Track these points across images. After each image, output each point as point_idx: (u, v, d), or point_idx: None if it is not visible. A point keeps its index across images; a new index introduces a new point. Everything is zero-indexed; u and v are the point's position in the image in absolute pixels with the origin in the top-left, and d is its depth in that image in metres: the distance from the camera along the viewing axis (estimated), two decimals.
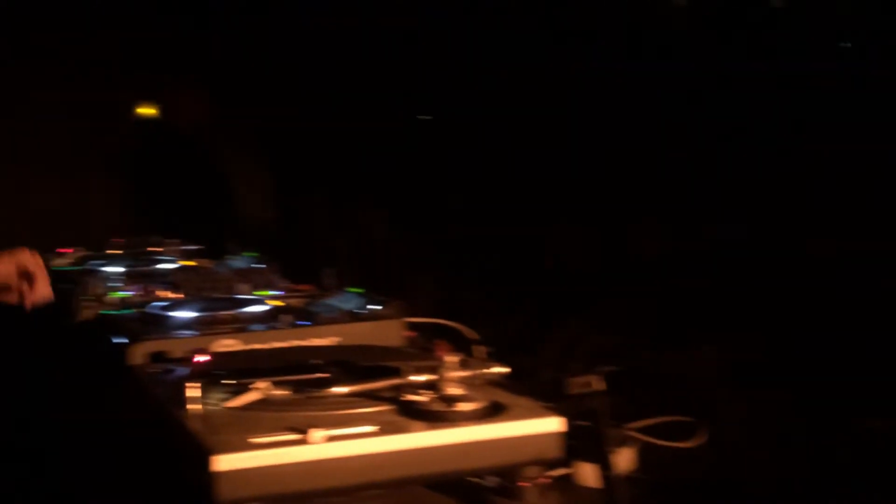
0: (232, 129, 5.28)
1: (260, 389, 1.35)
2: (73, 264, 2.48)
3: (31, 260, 1.90)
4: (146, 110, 6.10)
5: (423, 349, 1.84)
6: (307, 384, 1.41)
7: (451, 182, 4.81)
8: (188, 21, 4.97)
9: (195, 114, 4.69)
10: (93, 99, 4.16)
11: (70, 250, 2.58)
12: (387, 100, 5.38)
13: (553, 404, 1.86)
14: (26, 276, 1.89)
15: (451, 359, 1.41)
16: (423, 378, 1.40)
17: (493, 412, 1.37)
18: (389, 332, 1.83)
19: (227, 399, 1.38)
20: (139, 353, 1.70)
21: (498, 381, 1.67)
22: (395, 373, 1.42)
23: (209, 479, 1.20)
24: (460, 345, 2.06)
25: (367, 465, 1.27)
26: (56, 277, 2.31)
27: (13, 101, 3.84)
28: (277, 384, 1.37)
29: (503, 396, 1.44)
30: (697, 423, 2.01)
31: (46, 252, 2.56)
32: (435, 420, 1.34)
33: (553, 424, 1.36)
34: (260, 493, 1.23)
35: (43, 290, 1.89)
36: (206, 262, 2.48)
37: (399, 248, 4.79)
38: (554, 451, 1.36)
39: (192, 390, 1.38)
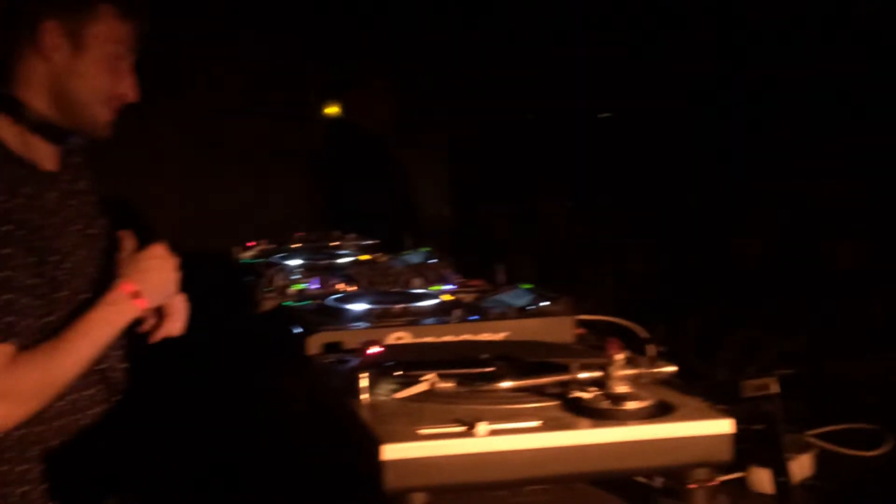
0: (414, 127, 5.42)
1: (427, 381, 1.37)
2: (257, 257, 2.58)
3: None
4: (331, 109, 6.31)
5: (593, 347, 1.83)
6: (474, 378, 1.42)
7: (637, 179, 4.77)
8: (375, 20, 5.12)
9: (379, 112, 4.81)
10: (279, 98, 4.32)
11: (261, 244, 2.68)
12: (568, 96, 5.40)
13: (727, 406, 1.82)
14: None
15: (619, 356, 1.39)
16: (589, 375, 1.39)
17: (660, 412, 1.35)
18: (559, 329, 1.82)
19: (396, 390, 1.41)
20: (315, 344, 1.76)
21: (668, 381, 1.65)
22: (562, 369, 1.42)
23: (378, 468, 1.24)
24: (634, 343, 2.04)
25: (531, 460, 1.28)
26: (242, 269, 2.42)
27: (201, 101, 4.04)
28: (445, 377, 1.39)
29: (672, 396, 1.41)
30: (883, 431, 1.92)
31: (235, 244, 2.70)
32: (601, 418, 1.33)
33: (723, 426, 1.33)
34: (425, 483, 1.25)
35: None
36: (381, 257, 2.54)
37: (578, 244, 4.79)
38: (724, 454, 1.33)
39: (364, 380, 1.41)
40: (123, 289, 1.88)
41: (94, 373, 1.93)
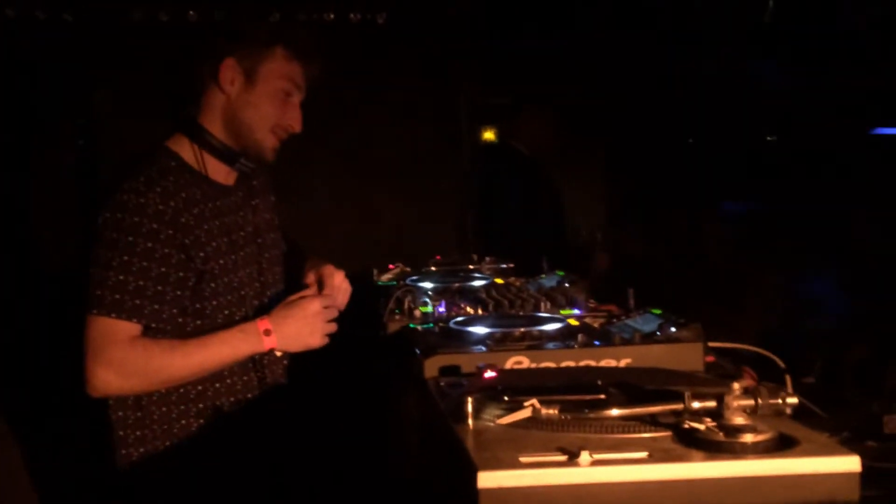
0: (571, 153, 5.37)
1: (530, 407, 1.33)
2: (394, 279, 2.60)
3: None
4: (489, 134, 6.33)
5: (724, 376, 1.74)
6: (582, 405, 1.37)
7: (797, 199, 4.58)
8: (532, 44, 5.11)
9: (538, 137, 4.78)
10: (430, 122, 4.34)
11: (398, 267, 2.70)
12: (732, 119, 5.26)
13: (876, 442, 1.70)
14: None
15: (736, 385, 1.32)
16: (703, 405, 1.32)
17: (780, 446, 1.27)
18: (686, 356, 1.74)
19: (502, 416, 1.38)
20: (432, 367, 1.74)
21: (796, 413, 1.55)
22: (675, 398, 1.35)
23: (475, 495, 1.21)
24: (774, 373, 1.94)
25: (636, 493, 1.22)
26: (378, 291, 2.44)
27: (352, 125, 4.10)
28: (550, 403, 1.34)
29: (795, 429, 1.32)
30: None
31: (377, 267, 2.72)
32: (714, 450, 1.26)
33: (848, 464, 1.23)
34: None
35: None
36: (516, 281, 2.51)
37: (729, 270, 4.62)
38: (848, 494, 1.23)
39: (469, 405, 1.39)
40: (260, 323, 2.09)
41: (254, 362, 2.17)
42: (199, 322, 2.11)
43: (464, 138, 4.47)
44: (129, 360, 1.97)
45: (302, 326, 2.09)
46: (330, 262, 2.30)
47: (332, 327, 2.14)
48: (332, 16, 4.01)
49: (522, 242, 3.75)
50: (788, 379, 1.84)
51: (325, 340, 2.13)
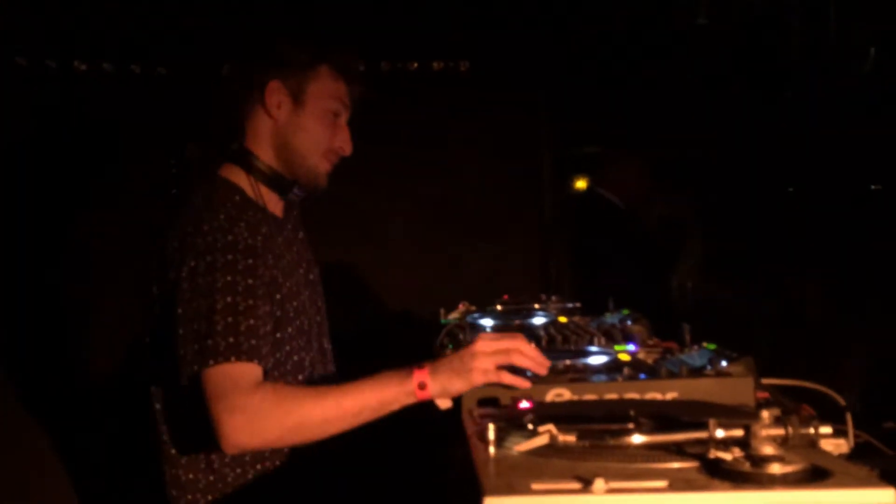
0: (665, 200, 5.29)
1: (547, 434, 1.29)
2: (459, 318, 2.57)
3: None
4: (581, 183, 6.29)
5: (784, 412, 1.66)
6: (603, 433, 1.32)
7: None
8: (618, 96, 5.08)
9: (631, 186, 4.73)
10: (516, 168, 4.35)
11: (463, 306, 2.68)
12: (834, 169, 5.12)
13: None
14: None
15: (765, 414, 1.26)
16: (727, 433, 1.26)
17: (809, 477, 1.20)
18: (735, 391, 1.67)
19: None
20: (470, 398, 1.72)
21: (862, 452, 1.48)
22: (700, 427, 1.29)
23: None
24: (835, 412, 1.85)
25: None
26: (449, 331, 2.42)
27: (437, 173, 4.13)
28: (568, 430, 1.30)
29: (829, 461, 1.25)
30: None
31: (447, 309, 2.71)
32: (738, 481, 1.20)
33: (882, 497, 1.16)
34: None
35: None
36: (579, 319, 2.46)
37: (819, 313, 4.47)
38: None
39: (491, 432, 1.36)
40: (417, 374, 1.79)
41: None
42: (275, 373, 1.96)
43: (546, 186, 4.46)
44: (257, 404, 1.75)
45: (462, 380, 1.75)
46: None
47: (503, 357, 1.76)
48: (415, 64, 4.07)
49: (610, 291, 3.68)
50: (849, 417, 1.74)
51: (488, 377, 1.74)
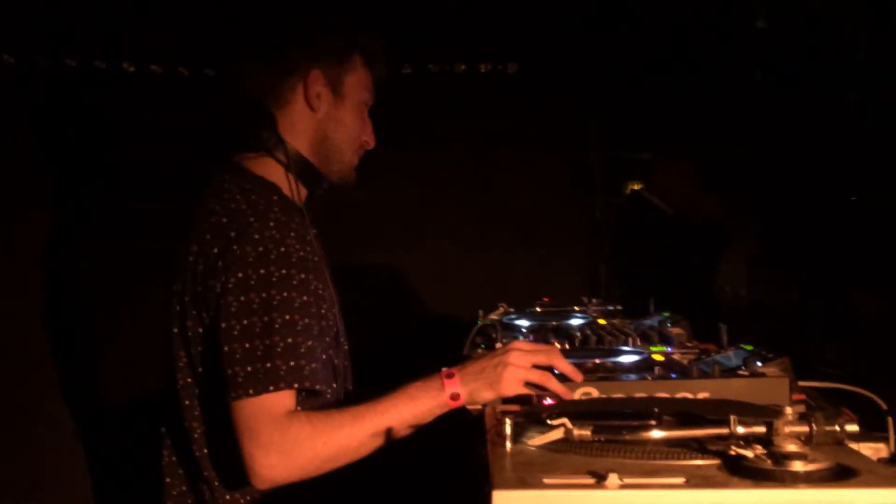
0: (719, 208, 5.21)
1: (562, 428, 1.25)
2: (497, 318, 2.54)
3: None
4: (636, 186, 6.22)
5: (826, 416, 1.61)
6: (620, 428, 1.28)
7: None
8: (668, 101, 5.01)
9: (683, 192, 4.67)
10: (563, 171, 4.30)
11: (501, 307, 2.64)
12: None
13: None
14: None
15: (789, 410, 1.21)
16: (748, 430, 1.22)
17: (834, 476, 1.15)
18: (768, 392, 1.61)
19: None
20: None
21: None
22: (722, 424, 1.25)
23: None
24: (878, 416, 1.79)
25: None
26: (481, 330, 2.39)
27: (489, 175, 4.10)
28: (584, 425, 1.26)
29: (855, 460, 1.20)
30: None
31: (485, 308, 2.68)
32: (759, 478, 1.15)
33: None
34: None
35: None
36: (619, 322, 2.41)
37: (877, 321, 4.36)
38: None
39: (508, 426, 1.32)
40: (448, 384, 1.74)
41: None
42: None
43: (597, 189, 4.41)
44: (291, 439, 1.68)
45: (493, 386, 1.71)
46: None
47: (534, 376, 1.70)
48: (462, 66, 4.04)
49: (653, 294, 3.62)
50: (890, 421, 1.68)
51: (519, 389, 1.70)
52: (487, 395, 1.72)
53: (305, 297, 1.77)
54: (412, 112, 3.86)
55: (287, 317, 1.72)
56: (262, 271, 1.74)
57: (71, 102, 3.60)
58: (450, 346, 2.26)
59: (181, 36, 3.56)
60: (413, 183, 3.98)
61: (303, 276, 1.78)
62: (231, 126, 1.97)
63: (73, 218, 3.60)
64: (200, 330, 1.83)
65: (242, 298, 1.73)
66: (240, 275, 1.74)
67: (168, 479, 1.96)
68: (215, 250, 1.79)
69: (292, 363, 1.70)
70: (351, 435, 1.72)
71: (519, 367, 1.71)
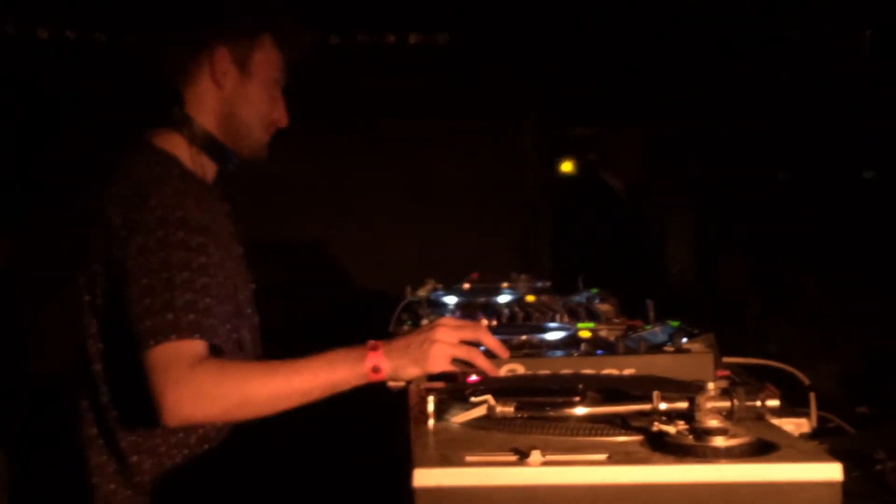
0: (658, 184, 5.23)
1: (485, 405, 1.24)
2: (425, 295, 2.52)
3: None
4: (566, 166, 6.20)
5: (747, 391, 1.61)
6: (544, 405, 1.27)
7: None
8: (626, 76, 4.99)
9: (626, 166, 4.65)
10: (500, 150, 4.29)
11: (429, 283, 2.62)
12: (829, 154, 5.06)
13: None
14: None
15: (711, 386, 1.21)
16: (670, 406, 1.21)
17: (755, 451, 1.15)
18: (693, 368, 1.61)
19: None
20: None
21: (825, 431, 1.43)
22: (645, 400, 1.24)
23: (411, 494, 1.12)
24: (799, 391, 1.80)
25: (588, 496, 1.12)
26: (407, 306, 2.37)
27: (421, 149, 4.07)
28: (507, 401, 1.25)
29: (776, 435, 1.21)
30: None
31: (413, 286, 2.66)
32: (681, 454, 1.15)
33: (828, 472, 1.11)
34: None
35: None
36: (548, 298, 2.40)
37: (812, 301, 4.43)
38: None
39: (431, 404, 1.31)
40: (371, 356, 1.70)
41: None
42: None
43: (529, 167, 4.41)
44: (202, 377, 1.68)
45: (419, 363, 1.67)
46: None
47: (461, 352, 1.66)
48: (392, 38, 4.01)
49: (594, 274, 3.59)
50: (812, 396, 1.69)
51: (446, 366, 1.66)
52: (413, 371, 1.68)
53: (203, 259, 1.80)
54: (340, 84, 3.82)
55: (186, 274, 1.76)
56: (159, 233, 1.78)
57: None
58: (376, 323, 2.24)
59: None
60: (341, 157, 3.95)
61: (201, 239, 1.81)
62: (141, 103, 2.02)
63: None
64: (108, 297, 1.86)
65: (142, 260, 1.77)
66: (139, 239, 1.78)
67: (88, 452, 1.96)
68: (118, 220, 1.83)
69: (192, 316, 1.73)
70: (261, 385, 1.70)
71: (446, 343, 1.67)
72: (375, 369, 1.69)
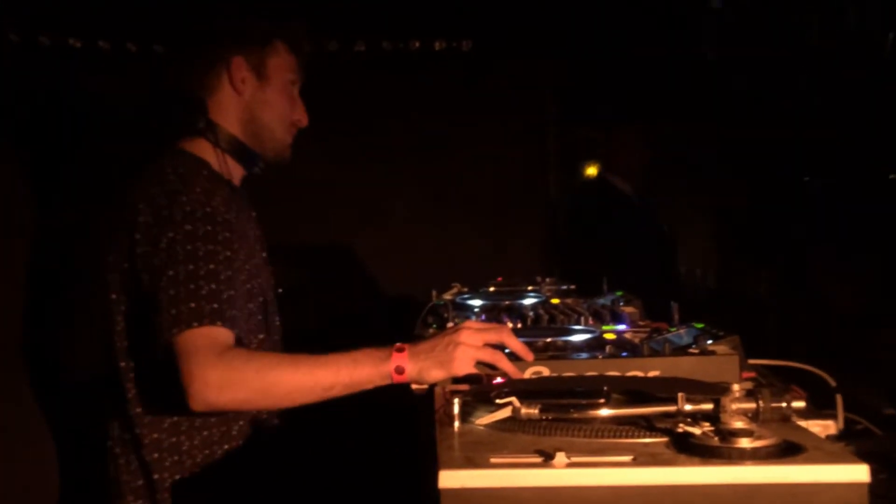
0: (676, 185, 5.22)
1: (510, 407, 1.24)
2: (451, 298, 2.53)
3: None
4: (592, 169, 6.19)
5: (773, 392, 1.61)
6: (568, 406, 1.27)
7: None
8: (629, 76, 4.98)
9: (632, 167, 4.65)
10: (523, 153, 4.29)
11: (455, 287, 2.63)
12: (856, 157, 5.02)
13: None
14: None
15: (736, 387, 1.21)
16: (695, 408, 1.21)
17: (780, 452, 1.15)
18: (718, 369, 1.61)
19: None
20: None
21: (852, 433, 1.42)
22: (670, 402, 1.24)
23: (437, 495, 1.13)
24: (826, 393, 1.80)
25: (613, 497, 1.12)
26: (432, 309, 2.38)
27: (444, 153, 4.07)
28: (532, 403, 1.25)
29: (802, 436, 1.20)
30: None
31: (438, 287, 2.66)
32: (706, 455, 1.15)
33: (855, 473, 1.10)
34: None
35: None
36: (572, 301, 2.41)
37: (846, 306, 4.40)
38: None
39: (456, 406, 1.31)
40: (396, 357, 1.73)
41: None
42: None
43: (551, 168, 4.40)
44: (229, 361, 1.72)
45: (443, 366, 1.69)
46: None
47: (486, 355, 1.68)
48: (417, 44, 4.02)
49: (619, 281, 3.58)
50: (839, 399, 1.69)
51: (470, 368, 1.68)
52: (438, 374, 1.69)
53: (229, 254, 1.86)
54: (365, 90, 3.84)
55: (211, 266, 1.81)
56: (188, 227, 1.84)
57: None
58: (402, 326, 2.25)
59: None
60: (367, 162, 3.96)
61: (227, 234, 1.87)
62: (167, 115, 2.09)
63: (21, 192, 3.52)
64: (134, 294, 1.91)
65: (170, 252, 1.83)
66: (170, 234, 1.84)
67: (117, 450, 2.00)
68: (148, 218, 1.89)
69: (216, 305, 1.77)
70: (285, 375, 1.73)
71: (470, 346, 1.69)
72: (399, 370, 1.71)
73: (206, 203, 1.89)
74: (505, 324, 2.05)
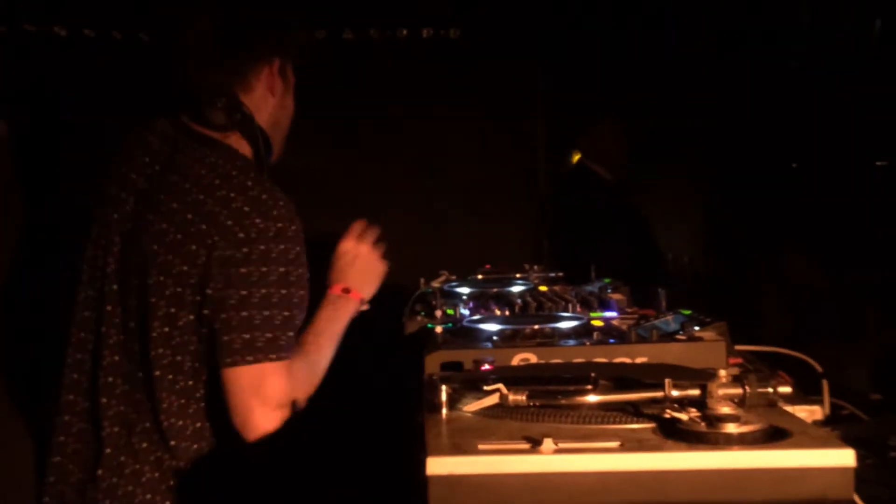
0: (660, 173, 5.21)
1: (497, 393, 1.24)
2: (439, 286, 2.53)
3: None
4: (576, 157, 6.18)
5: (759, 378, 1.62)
6: (556, 393, 1.28)
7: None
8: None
9: (612, 155, 4.65)
10: (512, 141, 4.28)
11: (443, 275, 2.62)
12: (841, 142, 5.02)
13: None
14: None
15: (722, 373, 1.21)
16: (682, 393, 1.21)
17: (767, 437, 1.15)
18: (705, 356, 1.62)
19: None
20: (432, 362, 1.66)
21: (838, 418, 1.43)
22: (657, 387, 1.24)
23: (425, 482, 1.13)
24: (811, 379, 1.81)
25: (600, 483, 1.12)
26: (420, 297, 2.38)
27: (432, 141, 4.06)
28: (519, 390, 1.26)
29: (788, 421, 1.21)
30: None
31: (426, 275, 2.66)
32: (693, 441, 1.15)
33: (841, 458, 1.11)
34: (477, 501, 1.12)
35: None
36: (560, 288, 2.41)
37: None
38: (841, 490, 1.11)
39: (444, 393, 1.31)
40: (334, 290, 2.11)
41: None
42: None
43: (540, 156, 4.40)
44: (285, 397, 1.83)
45: (356, 264, 2.18)
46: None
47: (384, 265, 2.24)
48: (404, 32, 4.00)
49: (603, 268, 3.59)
50: (825, 383, 1.70)
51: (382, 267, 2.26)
52: (375, 286, 2.21)
53: (300, 271, 1.91)
54: (352, 78, 3.82)
55: (301, 293, 1.89)
56: (281, 247, 1.86)
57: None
58: (391, 313, 2.24)
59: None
60: (355, 150, 3.94)
61: (297, 248, 1.91)
62: (195, 104, 2.00)
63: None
64: (194, 299, 1.85)
65: (263, 269, 1.83)
66: (262, 247, 1.84)
67: (123, 458, 1.91)
68: (229, 222, 1.84)
69: (291, 334, 1.87)
70: (318, 373, 1.96)
71: (371, 253, 2.21)
72: (346, 290, 2.12)
73: (293, 220, 1.90)
74: (493, 311, 2.06)
